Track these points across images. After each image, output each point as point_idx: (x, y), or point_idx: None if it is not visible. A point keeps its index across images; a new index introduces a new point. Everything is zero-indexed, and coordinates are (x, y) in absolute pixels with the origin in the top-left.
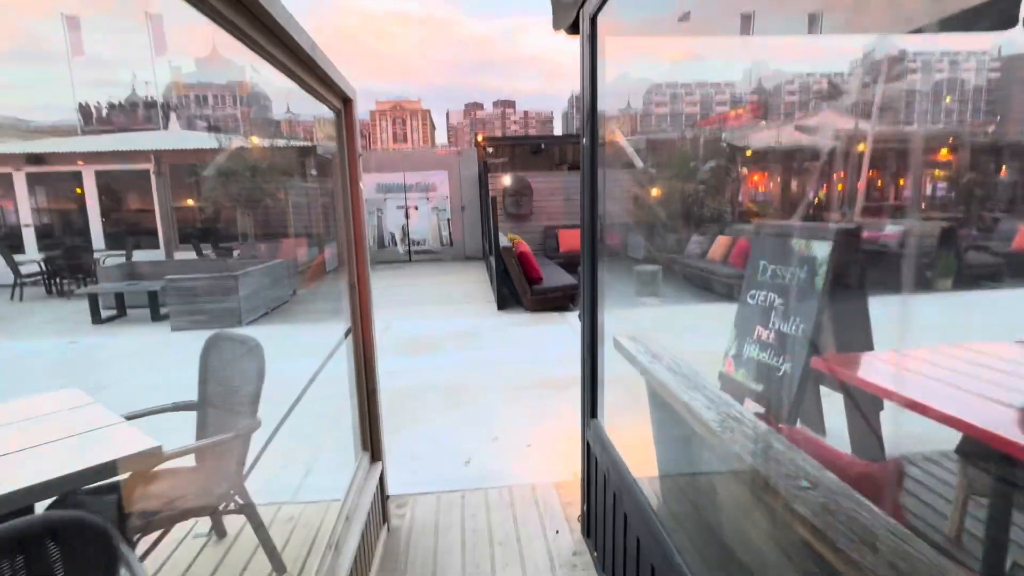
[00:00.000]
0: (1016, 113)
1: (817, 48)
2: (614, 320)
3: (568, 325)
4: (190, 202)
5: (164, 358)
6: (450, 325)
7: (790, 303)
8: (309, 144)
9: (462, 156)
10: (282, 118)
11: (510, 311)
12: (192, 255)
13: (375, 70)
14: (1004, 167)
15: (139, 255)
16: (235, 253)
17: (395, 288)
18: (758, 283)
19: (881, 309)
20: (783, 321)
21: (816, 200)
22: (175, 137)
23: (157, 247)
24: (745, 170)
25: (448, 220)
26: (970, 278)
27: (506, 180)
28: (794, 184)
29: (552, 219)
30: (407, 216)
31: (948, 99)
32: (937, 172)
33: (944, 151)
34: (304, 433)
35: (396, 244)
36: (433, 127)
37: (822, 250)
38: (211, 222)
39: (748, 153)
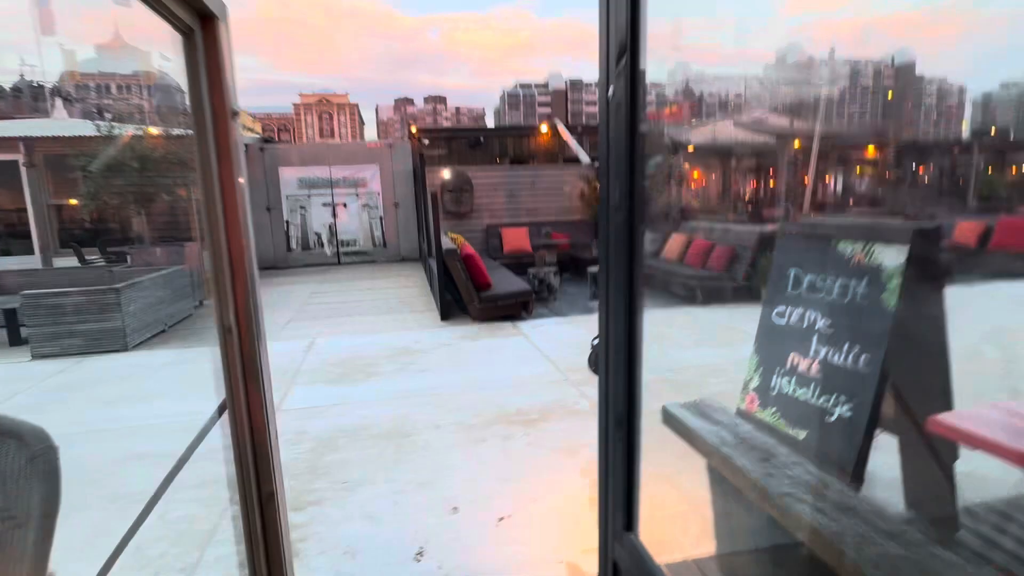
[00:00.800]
0: (907, 116)
1: (736, 53)
2: (569, 328)
3: (523, 337)
4: (73, 200)
5: (5, 401)
6: (386, 341)
7: (841, 325)
8: None
9: (394, 149)
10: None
11: (455, 322)
12: (75, 262)
13: (298, 62)
14: (921, 166)
15: (7, 262)
16: (128, 259)
17: (321, 296)
18: (788, 297)
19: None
20: (832, 348)
21: (748, 195)
22: (52, 124)
23: (32, 252)
24: (687, 165)
25: (381, 218)
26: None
27: (445, 175)
28: (736, 180)
29: (495, 217)
30: (334, 214)
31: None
32: (866, 169)
33: (871, 148)
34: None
35: (323, 245)
36: (362, 122)
37: (893, 257)
38: (100, 223)
39: (691, 149)
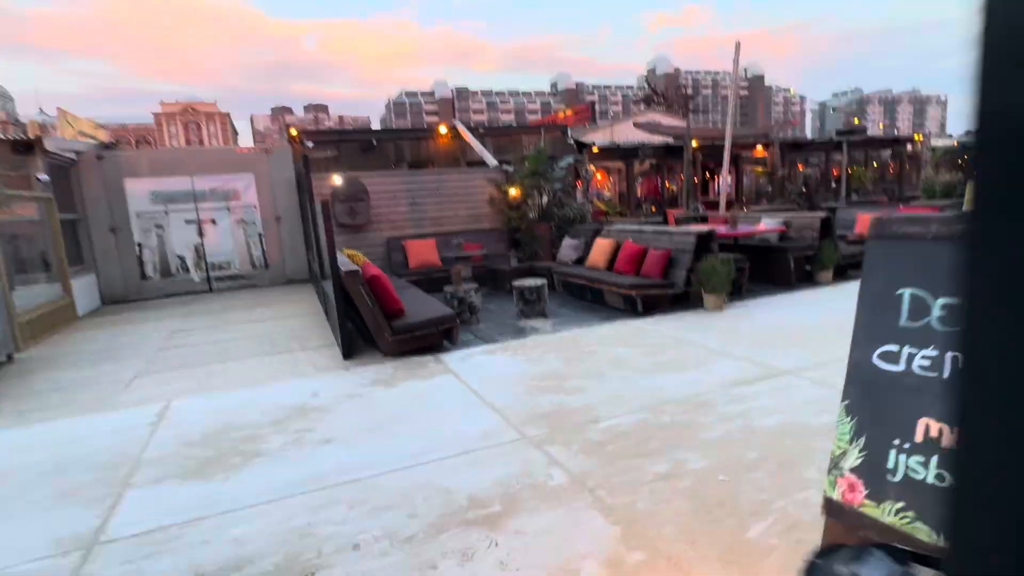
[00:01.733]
0: (761, 121)
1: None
2: (505, 359)
3: (452, 375)
4: None
5: None
6: (273, 396)
7: None
8: (27, 138)
9: (272, 155)
10: (35, 118)
11: (363, 359)
12: None
13: (158, 69)
14: (800, 163)
15: None
16: None
17: (185, 335)
18: (903, 333)
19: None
20: None
21: (648, 195)
22: None
23: None
24: (593, 167)
25: (260, 235)
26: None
27: (336, 181)
28: (639, 179)
29: (396, 228)
30: (201, 233)
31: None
32: (758, 169)
33: (759, 148)
34: None
35: (188, 270)
36: (235, 132)
37: None
38: None
39: (595, 150)
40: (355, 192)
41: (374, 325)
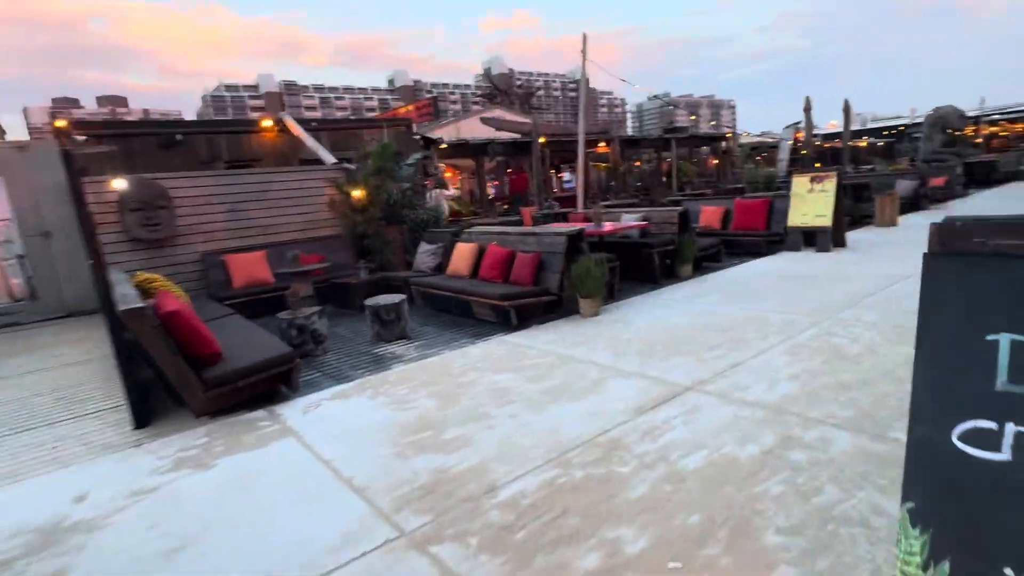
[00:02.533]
0: (591, 121)
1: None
2: (364, 404)
3: (294, 439)
4: None
5: None
6: (15, 509)
7: None
8: None
9: (30, 153)
10: None
11: (166, 425)
12: None
13: None
14: (637, 160)
15: None
16: None
17: None
18: (1004, 402)
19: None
20: None
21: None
22: None
23: None
24: (443, 164)
25: (21, 257)
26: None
27: (120, 186)
28: (492, 176)
29: (214, 241)
30: None
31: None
32: (601, 165)
33: (602, 145)
34: None
35: None
36: (1, 131)
37: None
38: None
39: (444, 146)
40: (151, 198)
41: (178, 378)
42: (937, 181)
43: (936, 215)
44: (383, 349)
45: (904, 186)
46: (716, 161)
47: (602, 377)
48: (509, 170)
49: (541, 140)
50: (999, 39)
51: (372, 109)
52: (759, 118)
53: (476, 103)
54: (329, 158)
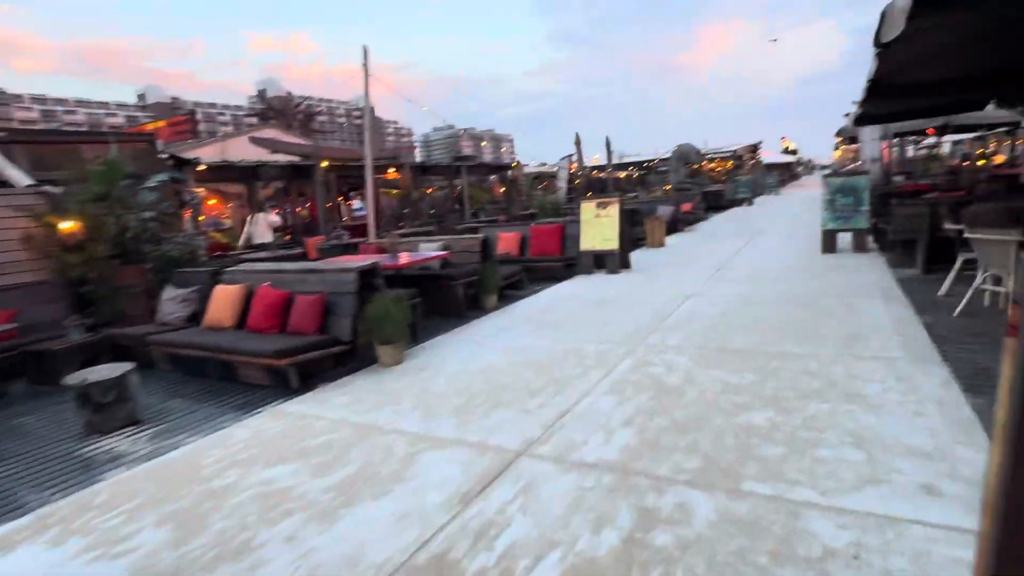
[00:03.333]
0: (376, 143)
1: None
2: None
3: None
4: None
5: None
6: None
7: None
8: None
9: None
10: None
11: None
12: None
13: None
14: (430, 188)
15: None
16: None
17: None
18: None
19: None
20: None
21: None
22: None
23: None
24: (203, 191)
25: None
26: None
27: None
28: (273, 203)
29: None
30: None
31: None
32: (392, 191)
33: (392, 171)
34: None
35: None
36: None
37: None
38: None
39: (202, 168)
40: None
41: None
42: (687, 207)
43: (692, 235)
44: (97, 447)
45: (665, 211)
46: (504, 188)
47: (413, 452)
48: (302, 195)
49: (324, 164)
50: (708, 95)
51: (118, 128)
52: (535, 150)
53: (250, 124)
54: (21, 180)
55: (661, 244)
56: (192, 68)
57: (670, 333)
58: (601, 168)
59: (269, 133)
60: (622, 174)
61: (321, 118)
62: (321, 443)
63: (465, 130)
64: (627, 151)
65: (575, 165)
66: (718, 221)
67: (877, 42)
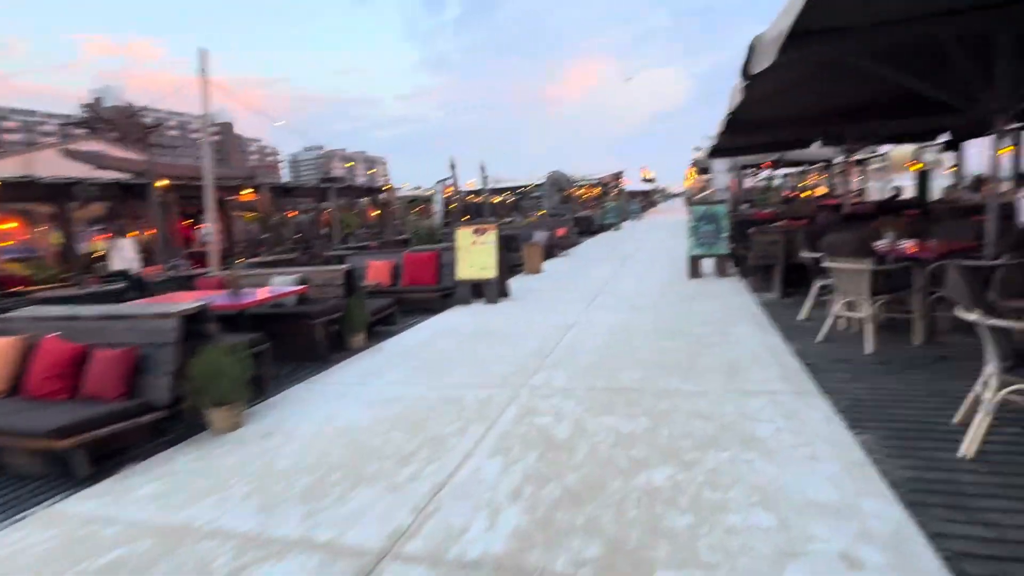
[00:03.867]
0: (240, 167)
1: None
2: None
3: None
4: None
5: None
6: None
7: None
8: None
9: None
10: None
11: None
12: None
13: None
14: (289, 211)
15: None
16: None
17: None
18: None
19: None
20: None
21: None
22: None
23: None
24: None
25: None
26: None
27: None
28: (103, 227)
29: None
30: None
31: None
32: (249, 215)
33: (247, 192)
34: None
35: None
36: None
37: None
38: None
39: None
40: None
41: None
42: (560, 232)
43: (567, 260)
44: None
45: (541, 236)
46: (377, 212)
47: (238, 567)
48: (139, 218)
49: (162, 183)
50: (575, 126)
51: None
52: (410, 174)
53: (75, 127)
54: None
55: (539, 270)
56: (7, 70)
57: (555, 371)
58: (477, 193)
59: (93, 146)
60: (497, 199)
61: (172, 132)
62: (107, 564)
63: (336, 151)
64: (502, 176)
65: (451, 189)
66: (590, 246)
67: (746, 74)
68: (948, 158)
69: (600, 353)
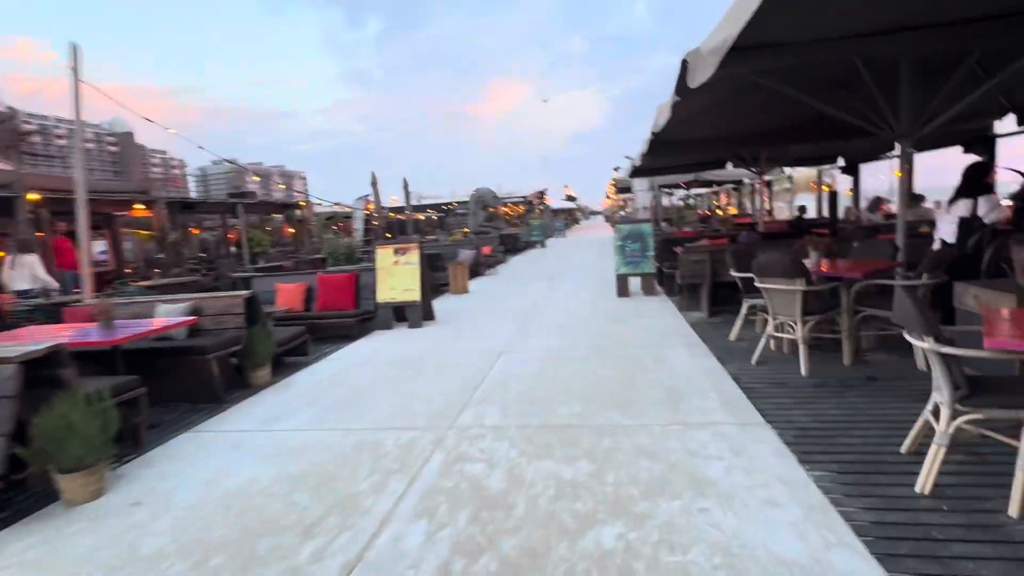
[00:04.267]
0: (139, 179)
1: None
2: None
3: None
4: None
5: None
6: None
7: None
8: None
9: None
10: None
11: None
12: None
13: None
14: (193, 228)
15: None
16: None
17: None
18: None
19: None
20: None
21: None
22: None
23: None
24: None
25: None
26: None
27: None
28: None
29: None
30: None
31: None
32: (143, 232)
33: (140, 207)
34: None
35: None
36: None
37: None
38: None
39: None
40: None
41: None
42: (486, 250)
43: (494, 279)
44: None
45: (467, 255)
46: (293, 230)
47: None
48: (5, 235)
49: (33, 197)
50: (499, 145)
51: None
52: (331, 189)
53: None
54: None
55: (465, 290)
56: None
57: (486, 406)
58: (400, 210)
59: None
60: (421, 216)
61: (60, 141)
62: None
63: (251, 165)
64: (426, 193)
65: (372, 206)
66: (517, 264)
67: (681, 90)
68: (846, 180)
69: (533, 383)
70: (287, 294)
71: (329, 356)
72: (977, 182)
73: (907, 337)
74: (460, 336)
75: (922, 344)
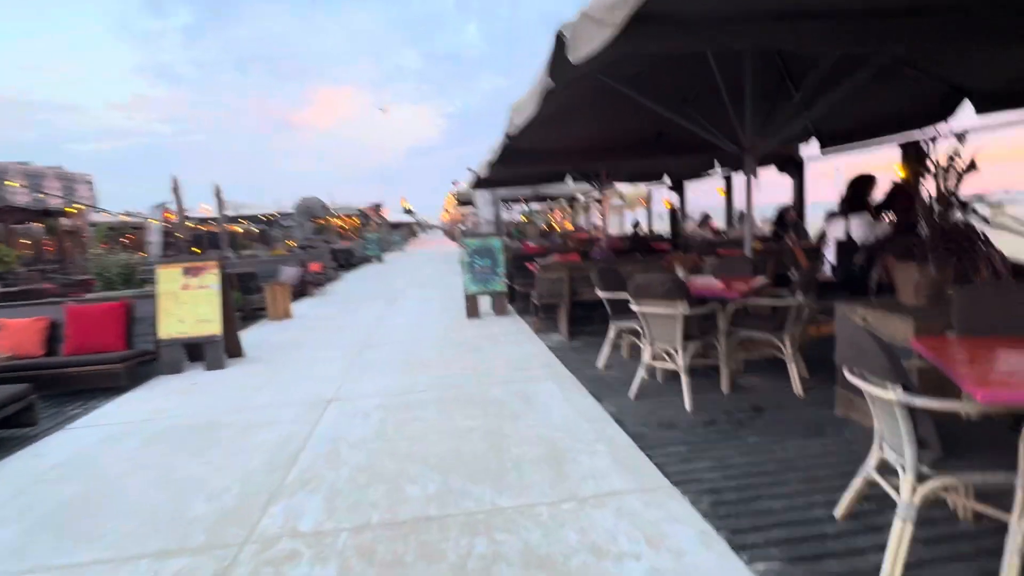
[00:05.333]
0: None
1: None
2: None
3: None
4: None
5: None
6: None
7: None
8: None
9: None
10: None
11: None
12: None
13: None
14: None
15: None
16: None
17: None
18: None
19: None
20: None
21: None
22: None
23: None
24: None
25: None
26: None
27: None
28: None
29: None
30: None
31: None
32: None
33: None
34: None
35: None
36: None
37: None
38: None
39: None
40: None
41: None
42: (315, 266)
43: (324, 300)
44: None
45: (290, 273)
46: (58, 244)
47: None
48: None
49: None
50: (329, 154)
51: None
52: (124, 196)
53: None
54: None
55: (287, 315)
56: None
57: (304, 495)
58: (212, 220)
59: None
60: (239, 228)
61: None
62: None
63: (15, 165)
64: (244, 202)
65: (173, 215)
66: (352, 281)
67: (554, 72)
68: (672, 196)
69: (372, 448)
70: (16, 333)
71: (73, 423)
72: (861, 197)
73: (856, 382)
74: (275, 379)
75: (884, 394)
